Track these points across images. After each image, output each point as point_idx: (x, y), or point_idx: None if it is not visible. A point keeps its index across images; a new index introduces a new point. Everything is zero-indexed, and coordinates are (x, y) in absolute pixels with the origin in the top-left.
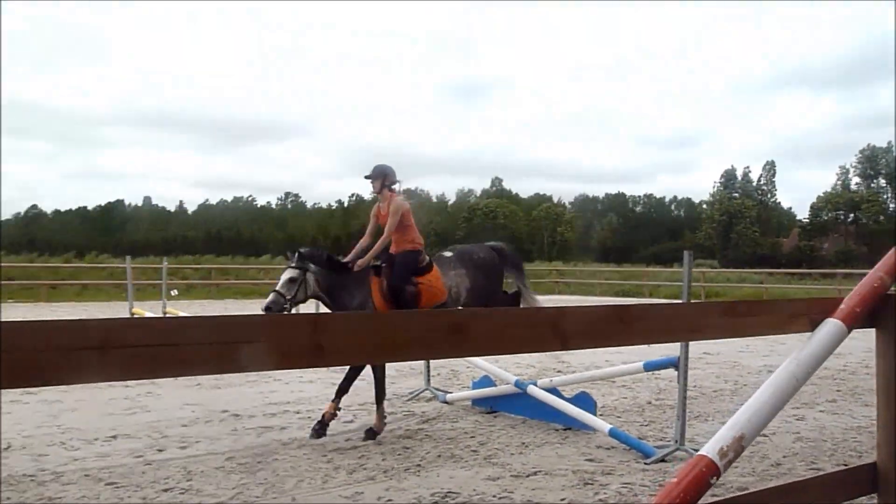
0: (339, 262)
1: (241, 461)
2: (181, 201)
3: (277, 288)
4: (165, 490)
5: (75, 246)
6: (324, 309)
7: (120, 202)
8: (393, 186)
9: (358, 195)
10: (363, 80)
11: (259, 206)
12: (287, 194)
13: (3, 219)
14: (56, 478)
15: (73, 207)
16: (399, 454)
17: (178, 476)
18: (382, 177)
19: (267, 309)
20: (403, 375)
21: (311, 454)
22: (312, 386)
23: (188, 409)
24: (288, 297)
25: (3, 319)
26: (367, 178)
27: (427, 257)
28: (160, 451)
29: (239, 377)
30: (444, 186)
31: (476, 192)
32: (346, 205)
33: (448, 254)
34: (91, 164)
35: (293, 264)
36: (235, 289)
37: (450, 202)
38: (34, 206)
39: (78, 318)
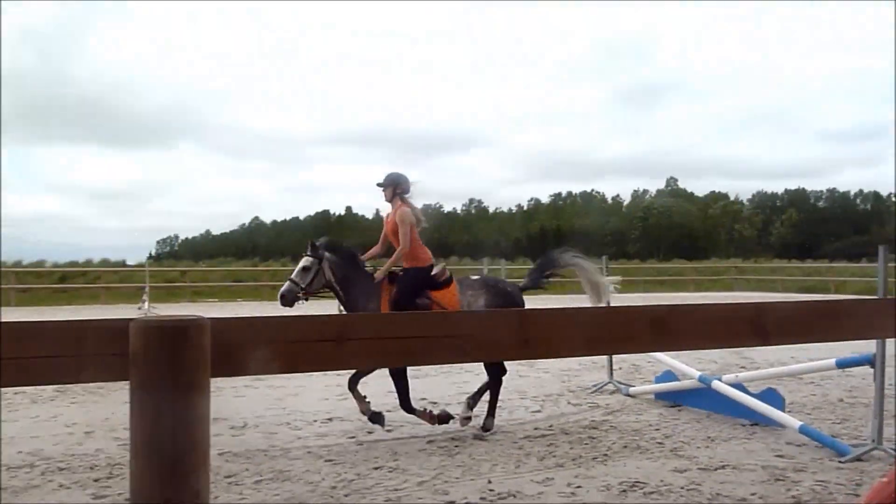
0: (356, 255)
1: (441, 444)
2: (377, 210)
3: (292, 276)
4: (376, 468)
5: (291, 251)
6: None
7: (326, 211)
8: (405, 196)
9: (536, 199)
10: (540, 89)
11: (445, 211)
12: (471, 200)
13: (230, 230)
14: (284, 453)
15: (288, 217)
16: (586, 443)
17: (386, 456)
18: (393, 185)
19: (281, 297)
20: (587, 369)
21: (504, 441)
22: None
23: (392, 396)
24: (302, 286)
25: (248, 315)
26: (378, 185)
27: (448, 272)
28: (369, 433)
29: (434, 368)
30: (618, 188)
31: (651, 193)
32: (525, 208)
33: (475, 277)
34: (302, 179)
35: (308, 253)
36: None
37: (625, 203)
38: (256, 218)
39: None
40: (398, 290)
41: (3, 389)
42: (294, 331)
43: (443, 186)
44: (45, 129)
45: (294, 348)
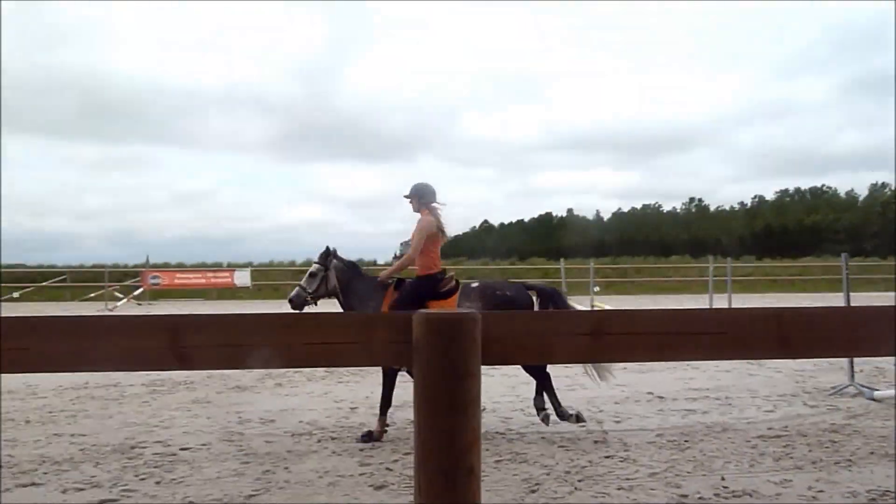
0: (357, 267)
1: (670, 438)
2: (597, 210)
3: (301, 283)
4: (607, 457)
5: (518, 251)
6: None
7: (549, 214)
8: (432, 205)
9: (760, 196)
10: (765, 83)
11: (665, 211)
12: (691, 199)
13: (462, 233)
14: (520, 437)
15: (514, 220)
16: (826, 447)
17: (617, 446)
18: (418, 196)
19: (290, 301)
20: (823, 370)
21: (735, 439)
22: (729, 375)
23: (618, 390)
24: (309, 291)
25: (512, 311)
26: (405, 196)
27: (456, 282)
28: (599, 423)
29: (658, 364)
30: (852, 182)
31: (891, 186)
32: (748, 206)
33: (474, 284)
34: (526, 184)
35: (317, 261)
36: (649, 285)
37: (860, 198)
38: (485, 221)
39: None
40: (398, 298)
41: (284, 369)
42: (554, 325)
43: (662, 186)
44: (311, 149)
45: (553, 341)
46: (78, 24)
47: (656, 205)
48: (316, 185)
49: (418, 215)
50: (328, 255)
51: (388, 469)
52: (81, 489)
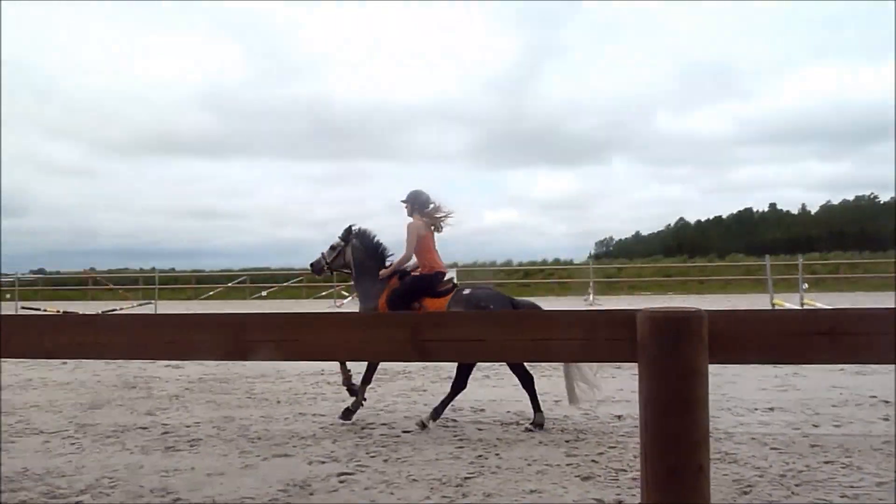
0: (377, 250)
1: None
2: (803, 204)
3: (323, 251)
4: (827, 462)
5: (715, 248)
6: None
7: (749, 209)
8: (425, 209)
9: None
10: None
11: (882, 202)
12: None
13: (657, 230)
14: (728, 437)
15: (711, 217)
16: None
17: (837, 451)
18: (411, 201)
19: (311, 266)
20: None
21: None
22: None
23: (836, 392)
24: (327, 261)
25: (738, 309)
26: (402, 202)
27: (453, 285)
28: (815, 426)
29: (882, 365)
30: None
31: None
32: None
33: (466, 291)
34: (724, 180)
35: (340, 236)
36: (864, 282)
37: None
38: (681, 219)
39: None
40: (395, 291)
41: (485, 364)
42: (787, 324)
43: (877, 175)
44: (509, 156)
45: (783, 341)
46: (307, 59)
47: (871, 195)
48: (513, 190)
49: (410, 219)
50: (350, 232)
51: (593, 461)
52: (323, 462)
